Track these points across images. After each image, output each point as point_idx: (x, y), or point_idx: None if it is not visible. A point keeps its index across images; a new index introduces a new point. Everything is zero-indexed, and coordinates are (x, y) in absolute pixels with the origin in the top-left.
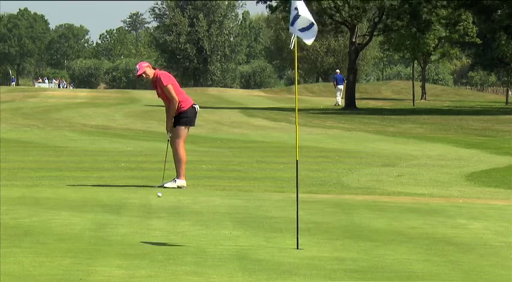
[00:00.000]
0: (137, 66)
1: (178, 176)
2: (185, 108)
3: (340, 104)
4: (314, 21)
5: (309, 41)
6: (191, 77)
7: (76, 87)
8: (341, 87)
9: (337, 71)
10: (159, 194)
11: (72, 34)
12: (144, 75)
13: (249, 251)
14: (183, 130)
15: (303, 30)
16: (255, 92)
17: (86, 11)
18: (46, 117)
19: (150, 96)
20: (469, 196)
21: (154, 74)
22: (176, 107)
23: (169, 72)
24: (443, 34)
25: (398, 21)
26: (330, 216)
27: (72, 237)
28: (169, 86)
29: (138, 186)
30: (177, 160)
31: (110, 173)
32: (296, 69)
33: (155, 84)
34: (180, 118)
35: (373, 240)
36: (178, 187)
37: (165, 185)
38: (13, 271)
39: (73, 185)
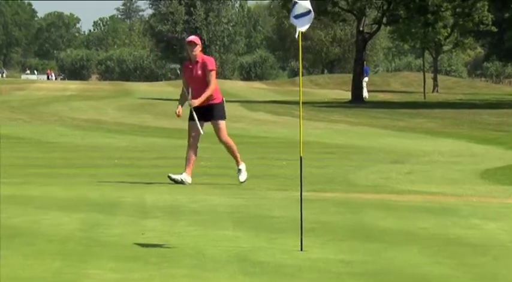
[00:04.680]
0: (190, 37)
1: (239, 163)
2: (220, 101)
3: (367, 97)
4: (311, 9)
5: (303, 28)
6: None
7: (65, 79)
8: (366, 79)
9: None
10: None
11: (62, 23)
12: (196, 45)
13: (249, 253)
14: (224, 123)
15: (298, 17)
16: (256, 84)
17: None
18: (34, 110)
19: (145, 88)
20: (483, 195)
21: (199, 54)
22: (211, 95)
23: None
24: (451, 21)
25: (403, 12)
26: (335, 216)
27: (62, 238)
28: (214, 72)
29: (133, 184)
30: (232, 150)
31: (102, 170)
32: (300, 60)
33: (195, 64)
34: (218, 111)
35: (382, 242)
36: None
37: (241, 180)
38: (1, 274)
39: (63, 183)
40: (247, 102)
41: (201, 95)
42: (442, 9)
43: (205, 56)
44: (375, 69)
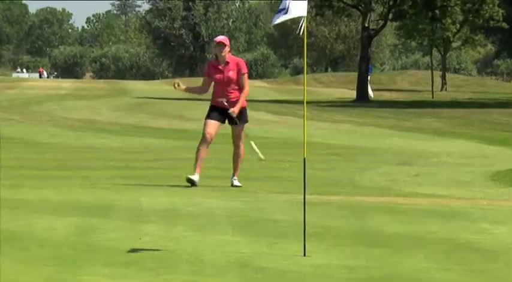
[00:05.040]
0: (219, 37)
1: (236, 173)
2: (245, 104)
3: (372, 96)
4: (288, 7)
5: (274, 22)
6: (187, 65)
7: (58, 77)
8: (369, 78)
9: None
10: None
11: (55, 19)
12: (225, 46)
13: (250, 259)
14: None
15: (279, 11)
16: (257, 83)
17: None
18: (26, 110)
19: (141, 87)
20: (494, 198)
21: (229, 55)
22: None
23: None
24: (460, 17)
25: (410, 7)
26: (340, 220)
27: (55, 243)
28: (247, 75)
29: (128, 186)
30: (239, 159)
31: (96, 172)
32: (305, 58)
33: (226, 65)
34: (243, 115)
35: (387, 247)
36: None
37: (236, 184)
38: None
39: (56, 186)
40: (247, 102)
41: (229, 96)
42: (451, 5)
43: (236, 57)
44: (381, 67)
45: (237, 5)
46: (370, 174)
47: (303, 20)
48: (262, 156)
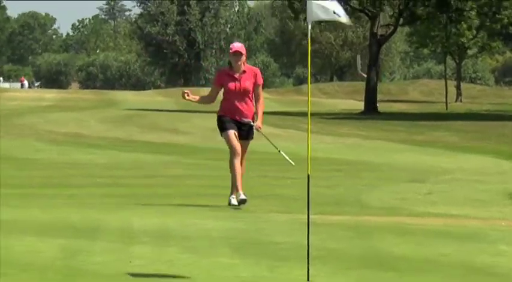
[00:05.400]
0: (235, 45)
1: (238, 190)
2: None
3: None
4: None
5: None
6: (181, 75)
7: (41, 87)
8: None
9: None
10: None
11: (37, 24)
12: (242, 55)
13: None
14: None
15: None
16: None
17: None
18: (7, 123)
19: (131, 97)
20: None
21: (246, 65)
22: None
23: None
24: (476, 22)
25: (423, 9)
26: (345, 242)
27: (39, 266)
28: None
29: (117, 205)
30: (241, 175)
31: (83, 190)
32: (309, 66)
33: (242, 74)
34: (252, 129)
35: (397, 270)
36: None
37: (238, 203)
38: None
39: (40, 205)
40: None
41: (242, 108)
42: (466, 9)
43: (251, 66)
44: (390, 76)
45: (236, 9)
46: (378, 193)
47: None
48: (292, 162)
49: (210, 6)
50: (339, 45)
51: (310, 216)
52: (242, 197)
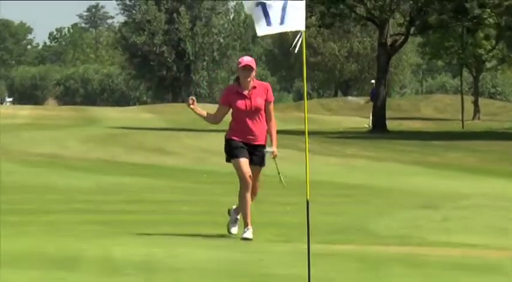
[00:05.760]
0: (245, 58)
1: (247, 225)
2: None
3: (370, 126)
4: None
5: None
6: (169, 89)
7: (15, 103)
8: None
9: (374, 82)
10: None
11: (9, 33)
12: (253, 70)
13: None
14: None
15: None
16: None
17: (29, 3)
18: None
19: (114, 114)
20: None
21: (255, 80)
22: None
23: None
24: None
25: (436, 17)
26: (351, 274)
27: None
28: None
29: (98, 234)
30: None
31: (60, 216)
32: (304, 80)
33: (252, 90)
34: (266, 153)
35: None
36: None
37: (247, 236)
38: None
39: (13, 233)
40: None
41: (254, 129)
42: (485, 16)
43: (260, 81)
44: (401, 91)
45: (231, 17)
46: (388, 220)
47: (300, 36)
48: (285, 184)
49: (202, 14)
50: (344, 56)
51: (312, 245)
52: (246, 235)
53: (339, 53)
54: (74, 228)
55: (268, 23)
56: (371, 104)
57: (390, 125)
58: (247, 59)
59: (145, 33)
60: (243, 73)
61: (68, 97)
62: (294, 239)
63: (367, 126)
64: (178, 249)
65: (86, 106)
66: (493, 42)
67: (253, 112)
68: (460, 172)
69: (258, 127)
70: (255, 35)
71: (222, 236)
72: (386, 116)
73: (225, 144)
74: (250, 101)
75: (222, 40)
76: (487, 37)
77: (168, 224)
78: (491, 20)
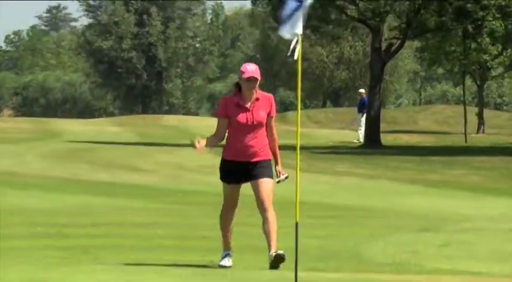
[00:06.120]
0: (249, 67)
1: (273, 248)
2: (271, 156)
3: (361, 140)
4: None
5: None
6: (139, 99)
7: None
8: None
9: (363, 91)
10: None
11: None
12: (257, 81)
13: None
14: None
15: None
16: None
17: None
18: None
19: (78, 128)
20: None
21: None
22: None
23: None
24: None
25: (436, 19)
26: None
27: None
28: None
29: (61, 260)
30: (274, 229)
31: (18, 241)
32: (298, 90)
33: (255, 103)
34: (269, 168)
35: None
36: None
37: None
38: None
39: None
40: (219, 147)
41: (254, 145)
42: (489, 18)
43: (263, 92)
44: (396, 101)
45: (208, 18)
46: (382, 244)
47: (297, 40)
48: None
49: (175, 15)
50: (333, 63)
51: (299, 273)
52: (224, 262)
53: (327, 59)
54: (34, 255)
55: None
56: (358, 116)
57: (385, 139)
58: (251, 69)
59: (112, 36)
60: (248, 85)
61: (26, 108)
62: (280, 266)
63: (356, 141)
64: (149, 277)
65: (46, 118)
66: (500, 47)
67: (254, 127)
68: (462, 191)
69: (259, 143)
70: (234, 39)
71: (198, 264)
72: (381, 129)
73: (221, 164)
74: (252, 115)
75: (197, 44)
76: (491, 35)
77: (139, 249)
78: (496, 23)
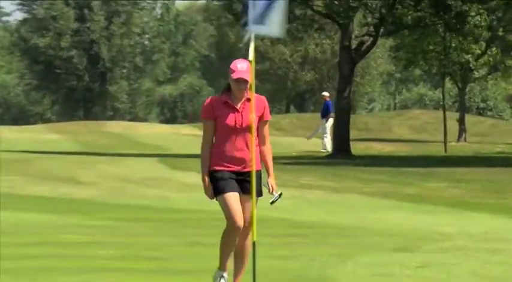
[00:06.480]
0: (239, 66)
1: (240, 276)
2: (261, 166)
3: (329, 149)
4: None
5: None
6: (79, 104)
7: None
8: (331, 121)
9: (326, 94)
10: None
11: None
12: (247, 83)
13: None
14: None
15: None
16: (185, 129)
17: None
18: None
19: (12, 135)
20: None
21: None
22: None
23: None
24: (485, 32)
25: (412, 14)
26: None
27: None
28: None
29: None
30: (248, 252)
31: None
32: (253, 92)
33: (244, 105)
34: (259, 182)
35: None
36: None
37: None
38: None
39: None
40: (170, 157)
41: (243, 154)
42: (472, 14)
43: (256, 94)
44: (369, 106)
45: (158, 13)
46: (352, 266)
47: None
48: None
49: (120, 10)
50: (298, 63)
51: None
52: None
53: (291, 59)
54: None
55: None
56: (322, 122)
57: (355, 148)
58: (242, 68)
59: (50, 33)
60: (237, 86)
61: None
62: None
63: (323, 150)
64: None
65: None
66: (483, 45)
67: (244, 130)
68: (441, 206)
69: (244, 152)
70: (187, 36)
71: None
72: (350, 137)
73: (209, 176)
74: (242, 117)
75: (146, 42)
76: (476, 40)
77: (79, 272)
78: (480, 18)
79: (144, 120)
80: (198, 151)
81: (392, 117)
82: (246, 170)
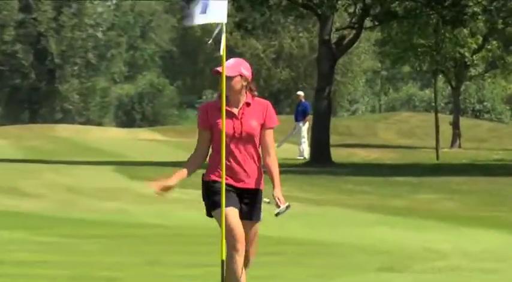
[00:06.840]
0: (229, 61)
1: None
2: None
3: (306, 156)
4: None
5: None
6: (25, 104)
7: None
8: (307, 125)
9: (301, 94)
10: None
11: None
12: (235, 77)
13: None
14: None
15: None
16: (144, 133)
17: None
18: None
19: None
20: None
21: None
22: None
23: None
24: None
25: (400, 4)
26: None
27: None
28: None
29: None
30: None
31: None
32: (223, 92)
33: (243, 109)
34: (260, 204)
35: None
36: None
37: None
38: None
39: None
40: (127, 165)
41: (246, 165)
42: (470, 4)
43: (259, 98)
44: (351, 107)
45: (113, 2)
46: None
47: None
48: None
49: None
50: (271, 59)
51: None
52: None
53: (264, 54)
54: None
55: (193, 13)
56: (297, 125)
57: (336, 154)
58: (227, 64)
59: None
60: (227, 83)
61: None
62: None
63: (299, 158)
64: None
65: None
66: (480, 39)
67: (243, 140)
68: (432, 221)
69: (249, 162)
70: (146, 29)
71: None
72: (331, 143)
73: (203, 188)
74: (241, 123)
75: (100, 35)
76: (472, 34)
77: None
78: (477, 9)
79: (98, 123)
80: (158, 158)
81: (378, 120)
82: (244, 186)
